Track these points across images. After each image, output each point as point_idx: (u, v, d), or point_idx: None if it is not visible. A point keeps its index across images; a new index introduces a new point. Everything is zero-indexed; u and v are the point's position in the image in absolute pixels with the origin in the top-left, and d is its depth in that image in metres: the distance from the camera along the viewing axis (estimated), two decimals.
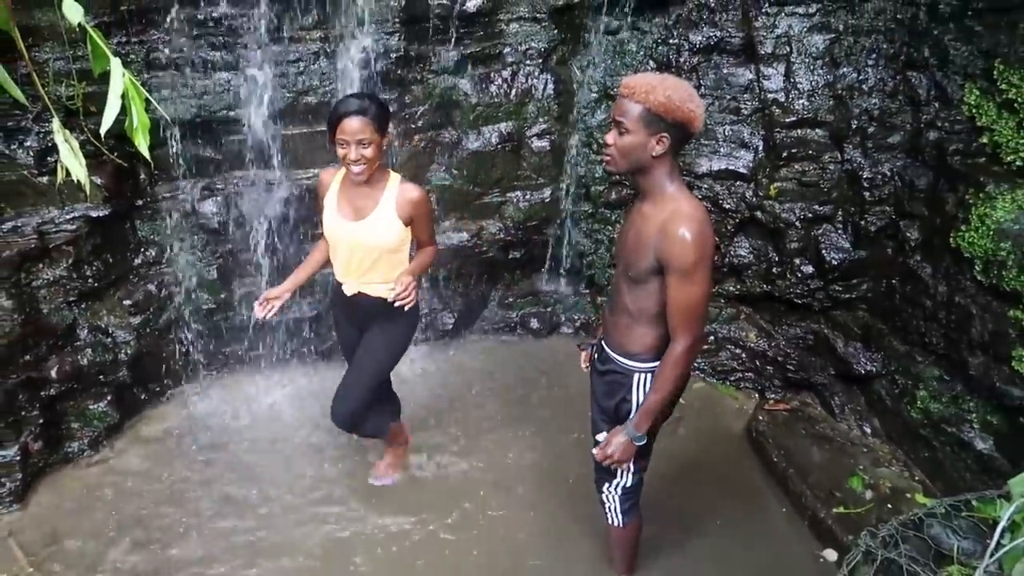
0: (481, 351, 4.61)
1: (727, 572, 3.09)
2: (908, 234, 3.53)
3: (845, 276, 3.78)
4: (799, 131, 3.86)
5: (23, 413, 3.31)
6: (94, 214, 3.43)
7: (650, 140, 2.08)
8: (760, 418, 3.84)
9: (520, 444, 3.79)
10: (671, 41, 4.09)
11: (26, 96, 2.50)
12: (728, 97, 4.03)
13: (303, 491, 3.43)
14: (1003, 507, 1.99)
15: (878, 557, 2.00)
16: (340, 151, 2.63)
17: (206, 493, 3.39)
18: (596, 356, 2.57)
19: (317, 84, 3.78)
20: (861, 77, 3.68)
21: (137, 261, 3.76)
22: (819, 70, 3.79)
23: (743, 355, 4.22)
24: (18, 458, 3.27)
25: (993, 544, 1.90)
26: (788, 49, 3.83)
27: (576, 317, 4.82)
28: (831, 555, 3.11)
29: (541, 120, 4.29)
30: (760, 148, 3.99)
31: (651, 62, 4.13)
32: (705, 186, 4.08)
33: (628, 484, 2.57)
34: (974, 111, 3.23)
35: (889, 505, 3.21)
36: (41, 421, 3.38)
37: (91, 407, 3.60)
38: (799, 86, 3.83)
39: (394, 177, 2.83)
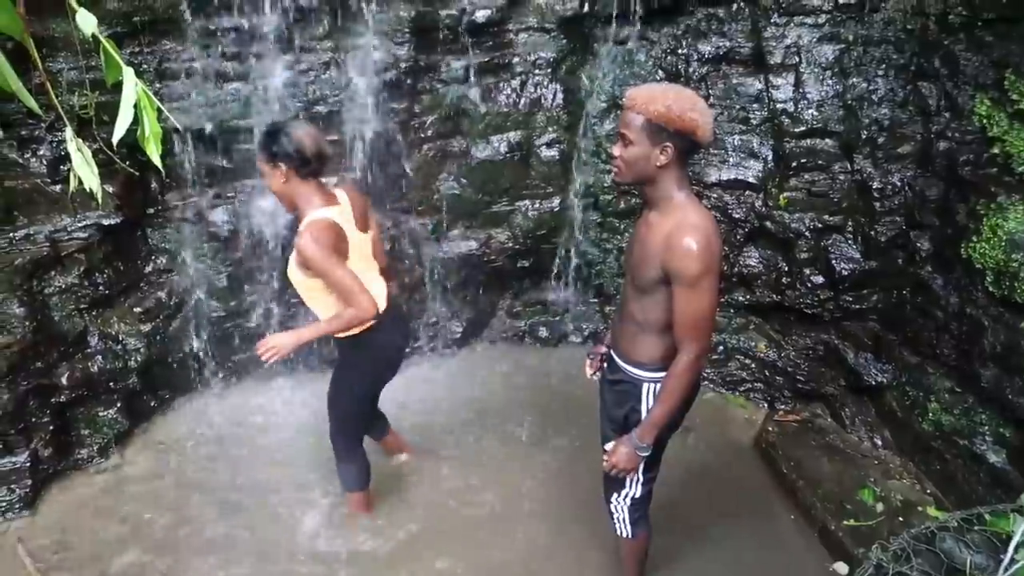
0: (489, 360, 4.61)
1: None
2: (919, 245, 3.51)
3: (855, 286, 3.76)
4: (808, 141, 3.85)
5: (33, 420, 3.33)
6: (106, 222, 3.46)
7: (653, 151, 2.08)
8: (770, 429, 3.82)
9: (527, 453, 3.78)
10: (680, 51, 4.09)
11: (40, 105, 2.53)
12: (737, 107, 4.03)
13: (311, 501, 3.42)
14: (1016, 521, 1.97)
15: (889, 571, 1.98)
16: None
17: (214, 501, 3.40)
18: (605, 366, 2.56)
19: (328, 94, 3.80)
20: (871, 87, 3.67)
21: (148, 269, 3.79)
22: (828, 80, 3.78)
23: (752, 365, 4.20)
24: (28, 464, 3.29)
25: (1007, 559, 1.88)
26: (797, 59, 3.83)
27: (584, 326, 4.81)
28: (842, 568, 3.07)
29: (550, 130, 4.30)
30: (769, 158, 3.99)
31: (660, 72, 4.14)
32: (714, 196, 4.08)
33: (637, 495, 2.56)
34: (985, 121, 3.21)
35: (900, 518, 3.18)
36: (51, 428, 3.40)
37: (101, 414, 3.62)
38: (808, 96, 3.82)
39: (308, 216, 2.57)
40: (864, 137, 3.68)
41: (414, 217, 4.33)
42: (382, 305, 2.78)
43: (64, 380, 3.43)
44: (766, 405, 4.12)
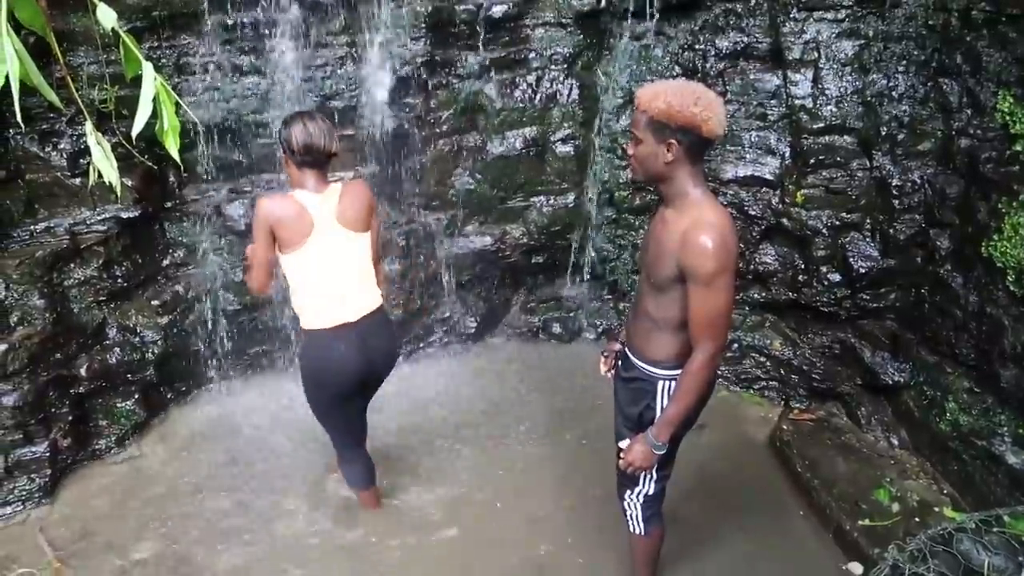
0: (503, 356, 4.62)
1: None
2: (938, 243, 3.47)
3: (873, 285, 3.72)
4: (827, 138, 3.82)
5: (53, 410, 3.37)
6: (124, 215, 3.50)
7: (660, 148, 2.08)
8: (785, 427, 3.80)
9: (539, 450, 3.78)
10: (697, 47, 4.07)
11: (60, 99, 2.55)
12: (754, 103, 4.00)
13: (324, 494, 3.45)
14: None
15: (906, 572, 1.96)
16: None
17: (229, 493, 3.43)
18: (620, 363, 2.56)
19: (344, 89, 3.82)
20: (891, 83, 3.63)
21: (165, 262, 3.82)
22: (848, 76, 3.74)
23: (768, 363, 4.18)
24: (48, 454, 3.33)
25: None
26: (816, 55, 3.79)
27: (598, 323, 4.80)
28: (856, 568, 3.05)
29: (565, 125, 4.29)
30: (787, 155, 3.95)
31: (676, 68, 4.12)
32: (730, 192, 4.05)
33: (650, 492, 2.55)
34: (1007, 118, 3.16)
35: (916, 519, 3.15)
36: (70, 418, 3.44)
37: (119, 405, 3.66)
38: (827, 92, 3.79)
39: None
40: (883, 134, 3.64)
41: (429, 212, 4.34)
42: (335, 319, 2.73)
43: (83, 371, 3.47)
44: (781, 403, 4.10)
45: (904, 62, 3.60)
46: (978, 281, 3.25)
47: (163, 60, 3.46)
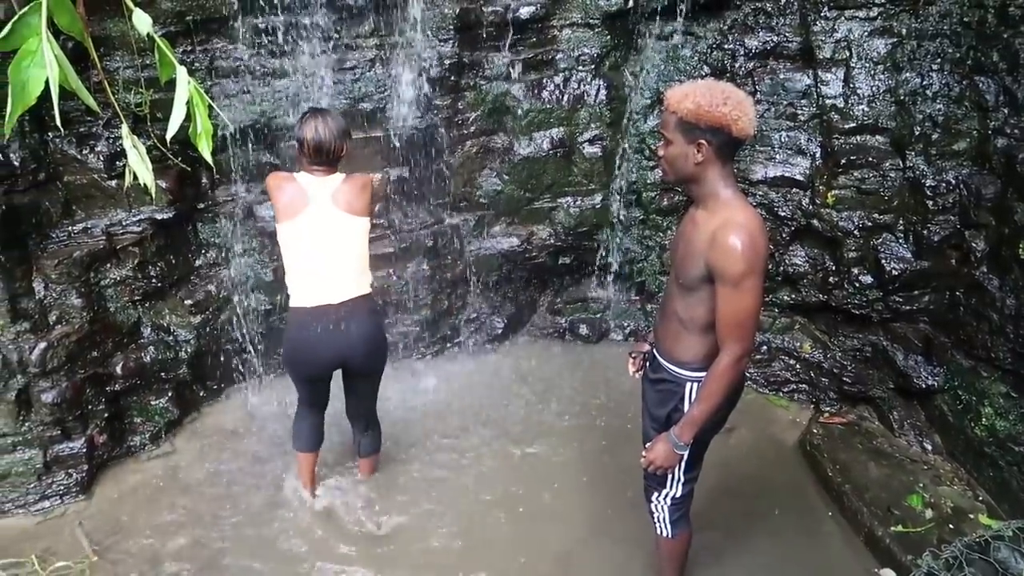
0: (529, 355, 4.62)
1: None
2: (974, 244, 3.40)
3: (906, 287, 3.66)
4: (858, 138, 3.77)
5: (90, 407, 3.45)
6: (159, 216, 3.56)
7: (689, 148, 2.08)
8: (815, 431, 3.75)
9: (565, 450, 3.78)
10: (726, 46, 4.04)
11: (97, 103, 2.60)
12: (784, 103, 3.96)
13: (355, 488, 3.47)
14: None
15: None
16: None
17: (259, 491, 3.47)
18: (648, 364, 2.55)
19: (372, 91, 3.85)
20: (925, 82, 3.57)
21: (198, 262, 3.88)
22: (880, 75, 3.69)
23: (797, 366, 4.13)
24: (85, 450, 3.41)
25: None
26: (848, 54, 3.74)
27: (626, 324, 4.79)
28: (888, 574, 3.01)
29: (593, 126, 4.28)
30: (817, 155, 3.90)
31: (705, 67, 4.09)
32: (760, 193, 4.01)
33: (678, 494, 2.54)
34: None
35: (951, 525, 3.09)
36: (106, 415, 3.51)
37: (153, 403, 3.73)
38: (859, 91, 3.73)
39: None
40: (917, 134, 3.58)
41: (456, 213, 4.36)
42: (317, 299, 2.84)
43: (119, 369, 3.55)
44: (811, 407, 4.05)
45: (938, 60, 3.54)
46: (1015, 284, 3.18)
47: (196, 64, 3.52)
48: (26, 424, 3.28)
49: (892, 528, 3.10)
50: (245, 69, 3.63)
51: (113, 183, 3.42)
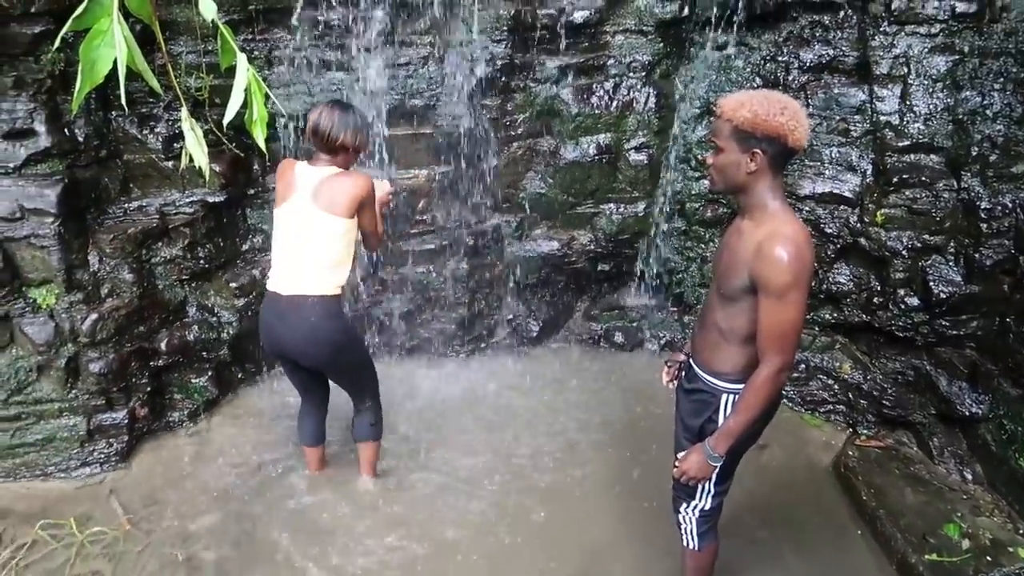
0: (563, 360, 4.62)
1: None
2: None
3: (953, 311, 3.56)
4: (912, 156, 3.69)
5: (133, 380, 3.56)
6: (211, 199, 3.67)
7: (743, 157, 2.06)
8: (850, 453, 3.67)
9: (593, 459, 3.75)
10: (780, 58, 3.99)
11: (160, 85, 2.70)
12: (837, 118, 3.89)
13: (385, 475, 3.51)
14: None
15: None
16: None
17: (290, 475, 3.52)
18: (683, 374, 2.53)
19: (424, 88, 3.90)
20: (985, 101, 3.48)
21: (245, 247, 3.98)
22: (939, 93, 3.61)
23: (835, 386, 4.05)
24: (126, 422, 3.52)
25: None
26: (906, 70, 3.67)
27: (662, 334, 4.75)
28: None
29: (640, 133, 4.27)
30: (868, 172, 3.83)
31: (758, 79, 4.05)
32: (807, 209, 3.95)
33: (707, 507, 2.51)
34: None
35: (988, 557, 3.00)
36: (148, 389, 3.62)
37: (193, 381, 3.83)
38: (915, 109, 3.66)
39: None
40: (974, 154, 3.50)
41: (498, 214, 4.38)
42: (271, 286, 2.89)
43: (163, 345, 3.66)
44: (847, 428, 3.97)
45: (1001, 79, 3.45)
46: None
47: (256, 52, 3.61)
48: (73, 392, 3.40)
49: (926, 556, 3.02)
50: (302, 60, 3.71)
51: (169, 164, 3.53)
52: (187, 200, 3.63)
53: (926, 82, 3.63)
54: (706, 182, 4.29)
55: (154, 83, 2.72)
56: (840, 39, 3.85)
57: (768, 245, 2.03)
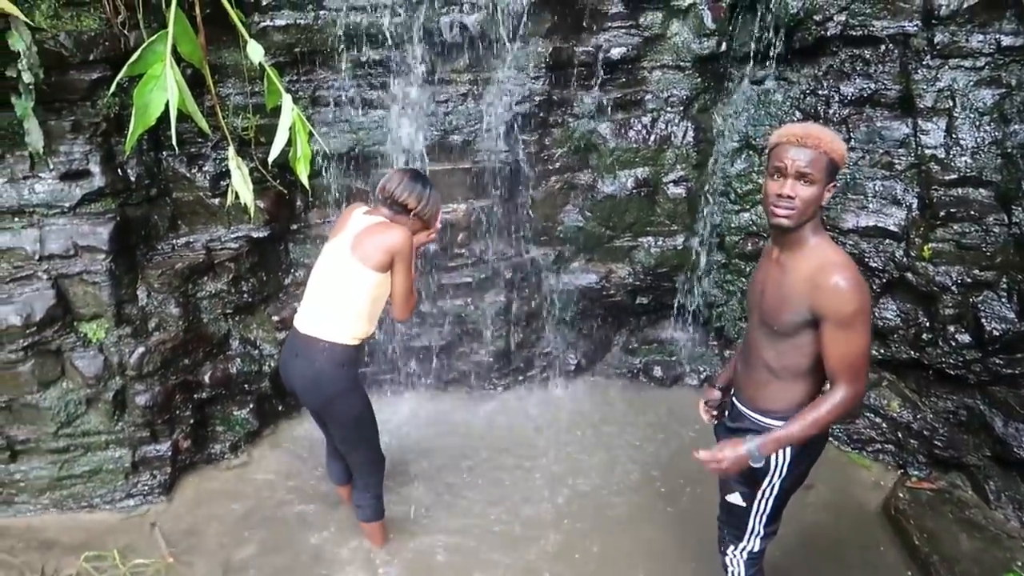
0: (601, 394, 4.58)
1: None
2: None
3: (1007, 348, 3.44)
4: (960, 190, 3.60)
5: (178, 412, 3.62)
6: (255, 235, 3.75)
7: (824, 191, 2.07)
8: (901, 495, 3.54)
9: (632, 494, 3.70)
10: (820, 92, 3.96)
11: (208, 126, 2.80)
12: (880, 151, 3.83)
13: (421, 512, 3.51)
14: None
15: None
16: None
17: (328, 508, 3.54)
18: (727, 413, 2.48)
19: (463, 124, 3.96)
20: None
21: (287, 281, 4.05)
22: (986, 126, 3.53)
23: (884, 425, 3.93)
24: (170, 454, 3.57)
25: None
26: (951, 103, 3.60)
27: (701, 369, 4.68)
28: None
29: (679, 167, 4.26)
30: (914, 206, 3.75)
31: (798, 112, 4.02)
32: (850, 242, 3.88)
33: (755, 548, 2.45)
34: None
35: None
36: (192, 422, 3.68)
37: (235, 413, 3.88)
38: (962, 142, 3.58)
39: None
40: None
41: (537, 247, 4.40)
42: (295, 322, 2.88)
43: (207, 378, 3.72)
44: (897, 469, 3.83)
45: None
46: None
47: (300, 92, 3.71)
48: (119, 424, 3.47)
49: None
50: (345, 99, 3.80)
51: (216, 201, 3.62)
52: (232, 236, 3.71)
53: (972, 115, 3.55)
54: (746, 215, 4.27)
55: (203, 124, 2.81)
56: (881, 72, 3.81)
57: (823, 276, 2.02)
